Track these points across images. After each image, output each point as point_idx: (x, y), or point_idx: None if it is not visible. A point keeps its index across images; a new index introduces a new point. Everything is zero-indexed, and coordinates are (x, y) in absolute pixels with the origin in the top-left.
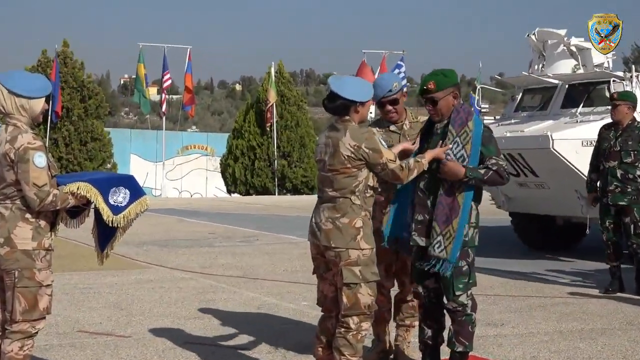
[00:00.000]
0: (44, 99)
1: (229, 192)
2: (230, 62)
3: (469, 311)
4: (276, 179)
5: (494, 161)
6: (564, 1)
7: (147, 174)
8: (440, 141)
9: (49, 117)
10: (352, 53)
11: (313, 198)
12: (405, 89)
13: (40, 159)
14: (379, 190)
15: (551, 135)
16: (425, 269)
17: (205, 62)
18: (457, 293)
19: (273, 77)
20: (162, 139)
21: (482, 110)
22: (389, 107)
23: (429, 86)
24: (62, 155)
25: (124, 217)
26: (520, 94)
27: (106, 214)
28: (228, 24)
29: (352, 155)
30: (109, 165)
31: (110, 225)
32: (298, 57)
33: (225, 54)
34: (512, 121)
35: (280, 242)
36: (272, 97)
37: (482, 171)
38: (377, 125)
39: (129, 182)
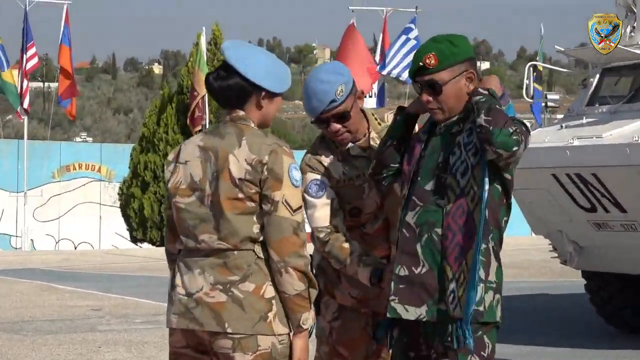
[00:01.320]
0: None
1: (134, 240)
2: (143, 29)
3: None
4: None
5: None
6: None
7: (1, 211)
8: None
9: None
10: (336, 12)
11: None
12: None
13: None
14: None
15: None
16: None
17: (101, 28)
18: None
19: (204, 52)
20: (24, 154)
21: (549, 104)
22: (336, 126)
23: (429, 61)
24: None
25: None
26: (597, 76)
27: None
28: None
29: (250, 177)
30: None
31: None
32: (254, 21)
33: (135, 16)
34: (584, 121)
35: None
36: (202, 83)
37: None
38: (324, 149)
39: None
